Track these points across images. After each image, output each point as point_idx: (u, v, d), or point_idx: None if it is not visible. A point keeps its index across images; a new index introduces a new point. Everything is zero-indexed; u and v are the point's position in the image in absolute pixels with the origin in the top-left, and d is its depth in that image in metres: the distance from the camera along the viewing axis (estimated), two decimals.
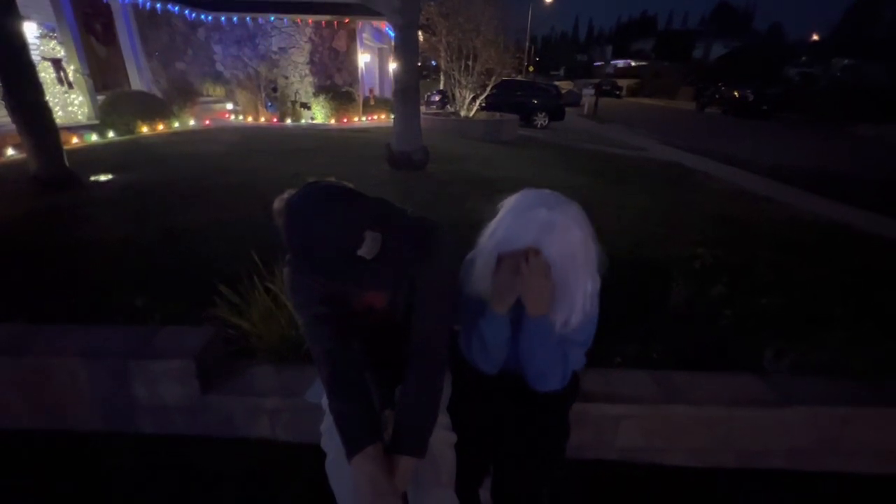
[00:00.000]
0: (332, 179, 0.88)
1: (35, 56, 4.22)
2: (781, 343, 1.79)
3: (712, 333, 2.00)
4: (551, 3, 36.03)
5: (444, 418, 1.08)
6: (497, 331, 1.07)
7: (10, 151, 5.70)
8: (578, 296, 1.02)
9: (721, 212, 4.54)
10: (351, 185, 0.88)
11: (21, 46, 3.88)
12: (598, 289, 1.07)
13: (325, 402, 1.12)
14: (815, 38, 46.11)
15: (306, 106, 11.56)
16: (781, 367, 1.71)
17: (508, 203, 1.04)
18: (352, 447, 0.90)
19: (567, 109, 14.52)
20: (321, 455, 1.08)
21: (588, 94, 20.14)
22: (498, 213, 1.06)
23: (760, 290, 2.44)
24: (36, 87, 4.01)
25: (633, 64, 46.55)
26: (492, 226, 1.05)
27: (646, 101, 31.99)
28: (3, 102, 6.52)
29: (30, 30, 6.64)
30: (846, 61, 25.75)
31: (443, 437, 1.04)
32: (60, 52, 8.00)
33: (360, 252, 0.81)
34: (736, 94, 21.19)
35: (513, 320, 1.10)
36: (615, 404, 1.52)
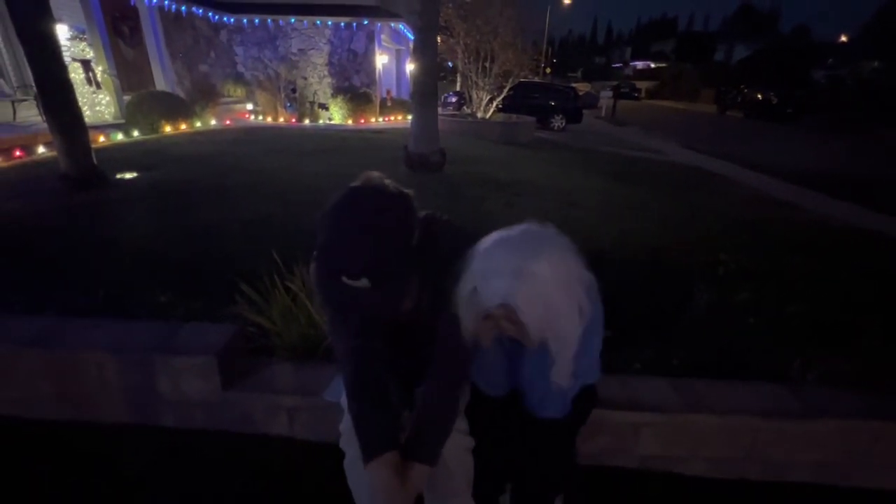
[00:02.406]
0: (374, 174, 0.85)
1: (66, 57, 4.36)
2: (808, 352, 1.74)
3: (735, 341, 1.95)
4: (570, 5, 35.78)
5: (462, 423, 1.07)
6: (489, 358, 1.09)
7: (41, 150, 5.90)
8: (567, 337, 0.95)
9: (743, 217, 4.45)
10: (388, 181, 0.85)
11: (54, 48, 4.01)
12: (601, 315, 1.03)
13: (344, 401, 1.13)
14: (844, 39, 44.80)
15: (324, 107, 11.69)
16: (809, 378, 1.66)
17: (479, 254, 0.92)
18: (369, 452, 0.90)
19: (584, 112, 14.39)
20: (339, 454, 1.08)
21: (606, 96, 19.98)
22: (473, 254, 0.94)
23: (786, 298, 2.38)
24: (67, 88, 4.14)
25: (652, 66, 45.89)
26: (467, 269, 0.93)
27: (665, 103, 31.49)
28: (35, 102, 6.79)
29: (61, 32, 6.86)
30: (875, 63, 24.96)
31: (460, 442, 1.03)
32: (89, 54, 8.25)
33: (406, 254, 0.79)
34: (759, 96, 20.73)
35: (510, 353, 1.10)
36: (635, 412, 1.49)
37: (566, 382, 1.02)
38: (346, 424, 1.08)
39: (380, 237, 0.76)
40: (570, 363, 0.99)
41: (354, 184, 0.83)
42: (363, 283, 0.74)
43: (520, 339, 0.96)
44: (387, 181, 0.85)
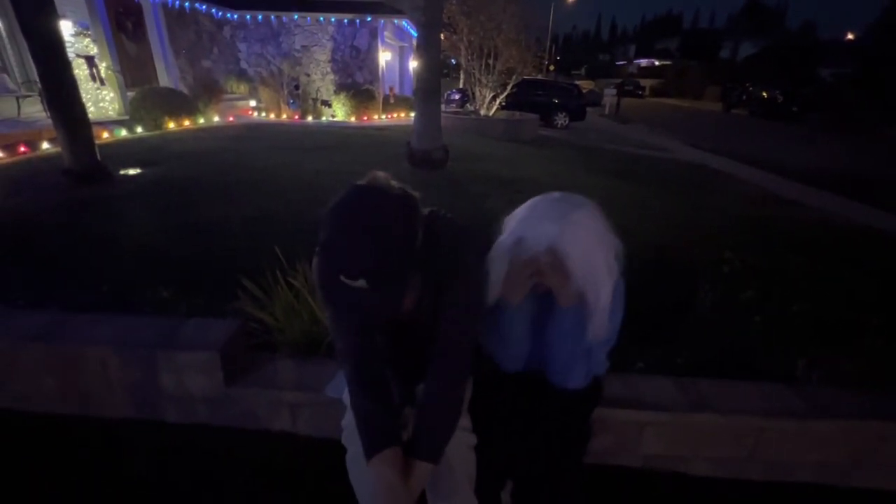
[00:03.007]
0: (380, 174, 0.85)
1: (70, 53, 4.35)
2: (813, 352, 1.73)
3: (739, 340, 1.94)
4: (574, 2, 35.58)
5: (464, 420, 1.07)
6: (513, 323, 1.10)
7: (45, 145, 5.92)
8: (602, 291, 1.03)
9: (748, 215, 4.42)
10: (395, 182, 0.85)
11: (58, 44, 4.01)
12: (622, 288, 1.08)
13: (346, 397, 1.13)
14: (850, 37, 44.41)
15: (327, 103, 11.69)
16: (814, 378, 1.64)
17: (522, 209, 1.06)
18: (371, 449, 0.90)
19: (588, 109, 14.33)
20: (341, 449, 1.08)
21: (610, 93, 19.87)
22: (514, 215, 1.08)
23: (790, 296, 2.37)
24: (71, 84, 4.15)
25: (657, 63, 45.65)
26: (508, 228, 1.08)
27: (670, 101, 31.32)
28: (39, 98, 6.81)
29: (65, 28, 6.87)
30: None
31: (463, 439, 1.03)
32: (93, 50, 8.26)
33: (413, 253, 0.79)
34: (764, 94, 20.58)
35: (535, 318, 1.11)
36: (639, 410, 1.49)
37: (602, 335, 1.07)
38: (348, 420, 1.08)
39: (381, 239, 0.74)
40: (606, 316, 1.05)
41: (359, 182, 0.82)
42: (361, 283, 0.73)
43: (559, 290, 1.03)
44: (393, 182, 0.84)
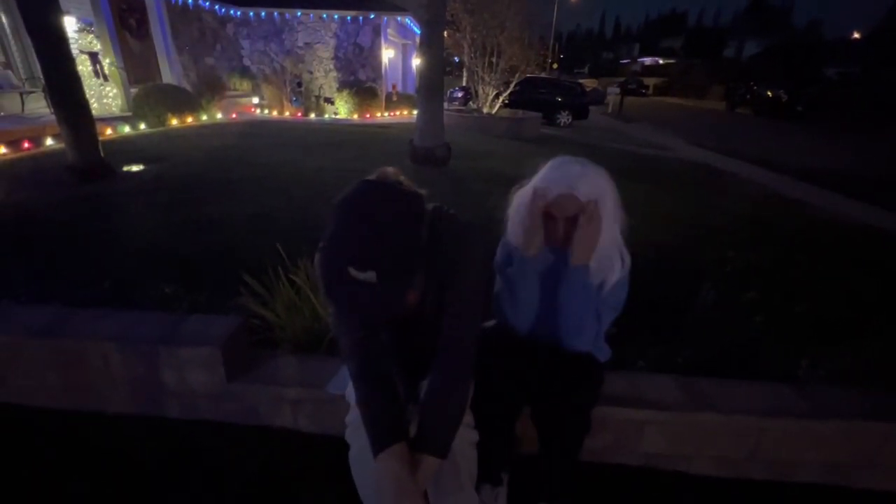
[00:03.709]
0: (389, 169, 0.87)
1: (73, 49, 4.37)
2: (815, 351, 1.72)
3: (741, 339, 1.93)
4: (578, 0, 35.43)
5: (467, 416, 1.07)
6: (525, 280, 1.18)
7: (48, 141, 5.94)
8: (612, 246, 1.16)
9: (751, 215, 4.40)
10: (403, 178, 0.87)
11: (62, 40, 4.02)
12: (629, 261, 1.20)
13: (349, 394, 1.13)
14: (857, 36, 44.10)
15: (330, 101, 11.69)
16: (816, 378, 1.64)
17: (541, 169, 1.22)
18: (378, 444, 0.90)
19: (591, 108, 14.27)
20: (342, 446, 1.08)
21: (613, 92, 19.76)
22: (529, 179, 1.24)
23: (793, 296, 2.36)
24: (75, 80, 4.16)
25: (660, 62, 45.40)
26: (525, 185, 1.23)
27: (674, 100, 31.18)
28: (43, 94, 6.83)
29: (69, 24, 6.89)
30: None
31: (466, 436, 1.03)
32: (97, 46, 8.28)
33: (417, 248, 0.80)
34: (769, 94, 20.44)
35: (546, 277, 1.19)
36: (640, 409, 1.48)
37: (616, 300, 1.18)
38: (352, 417, 1.09)
39: (389, 232, 0.75)
40: (618, 277, 1.17)
41: (369, 177, 0.83)
42: (370, 275, 0.73)
43: (581, 242, 1.13)
44: (401, 178, 0.86)
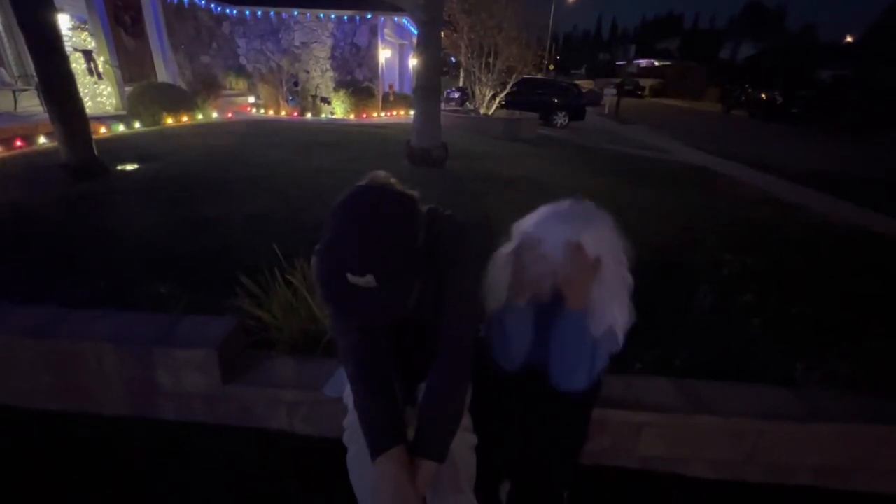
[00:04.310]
0: (380, 173, 0.86)
1: (67, 47, 4.32)
2: (813, 355, 1.73)
3: (738, 342, 1.94)
4: (574, 2, 35.53)
5: (465, 420, 1.06)
6: (517, 323, 1.10)
7: (42, 140, 5.88)
8: (616, 296, 1.05)
9: (748, 217, 4.42)
10: (394, 180, 0.86)
11: (56, 38, 3.98)
12: (631, 292, 1.09)
13: (347, 396, 1.12)
14: (850, 39, 44.48)
15: (326, 100, 11.65)
16: (813, 380, 1.64)
17: (535, 214, 1.09)
18: (376, 448, 0.89)
19: (588, 109, 14.32)
20: (338, 448, 1.07)
21: (609, 93, 19.84)
22: (524, 221, 1.10)
23: (790, 299, 2.37)
24: (68, 78, 4.12)
25: (656, 63, 45.56)
26: (519, 232, 1.09)
27: (669, 101, 31.33)
28: (36, 92, 6.76)
29: (63, 22, 6.83)
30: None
31: (464, 440, 1.02)
32: (91, 44, 8.22)
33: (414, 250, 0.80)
34: (764, 96, 20.59)
35: (540, 318, 1.10)
36: (637, 412, 1.48)
37: (613, 346, 1.09)
38: (350, 420, 1.08)
39: (387, 236, 0.76)
40: (621, 323, 1.07)
41: (360, 183, 0.84)
42: (368, 280, 0.74)
43: (574, 291, 1.02)
44: (392, 180, 0.86)
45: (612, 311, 1.04)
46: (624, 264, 1.05)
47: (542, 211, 1.08)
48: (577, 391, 1.11)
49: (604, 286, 1.02)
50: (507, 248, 1.09)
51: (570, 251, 0.98)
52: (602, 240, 1.01)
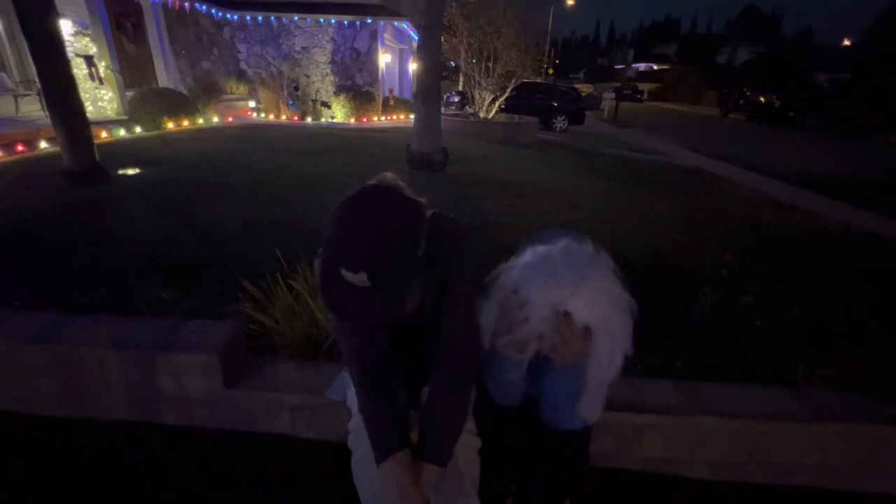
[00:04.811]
0: (389, 175, 0.86)
1: (69, 52, 4.34)
2: (813, 355, 1.74)
3: (739, 343, 1.95)
4: (573, 6, 35.72)
5: (469, 423, 1.07)
6: (507, 370, 1.05)
7: (43, 145, 5.89)
8: (617, 346, 0.93)
9: (746, 219, 4.44)
10: (403, 184, 0.86)
11: (58, 43, 4.00)
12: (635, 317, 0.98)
13: (351, 400, 1.12)
14: (847, 43, 44.73)
15: (327, 105, 11.68)
16: (814, 381, 1.65)
17: (524, 260, 0.94)
18: (381, 452, 0.90)
19: (587, 113, 14.38)
20: (341, 452, 1.08)
21: (608, 97, 19.91)
22: (514, 265, 0.96)
23: (789, 300, 2.37)
24: (70, 83, 4.13)
25: (655, 68, 45.79)
26: (506, 278, 0.95)
27: (668, 105, 31.46)
28: (38, 97, 6.79)
29: (65, 27, 6.86)
30: None
31: (468, 442, 1.03)
32: (93, 49, 8.25)
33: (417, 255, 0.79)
34: (761, 99, 20.69)
35: (532, 365, 1.05)
36: (638, 413, 1.49)
37: (593, 413, 1.04)
38: (354, 423, 1.08)
39: (384, 233, 0.75)
40: (605, 389, 1.01)
41: (369, 182, 0.83)
42: (361, 277, 0.72)
43: (562, 354, 0.91)
44: (401, 183, 0.85)
45: (610, 358, 0.94)
46: (626, 316, 0.92)
47: (531, 259, 0.93)
48: (571, 430, 1.09)
49: (600, 341, 0.92)
50: (491, 297, 0.95)
51: (557, 320, 0.87)
52: (595, 306, 0.87)
